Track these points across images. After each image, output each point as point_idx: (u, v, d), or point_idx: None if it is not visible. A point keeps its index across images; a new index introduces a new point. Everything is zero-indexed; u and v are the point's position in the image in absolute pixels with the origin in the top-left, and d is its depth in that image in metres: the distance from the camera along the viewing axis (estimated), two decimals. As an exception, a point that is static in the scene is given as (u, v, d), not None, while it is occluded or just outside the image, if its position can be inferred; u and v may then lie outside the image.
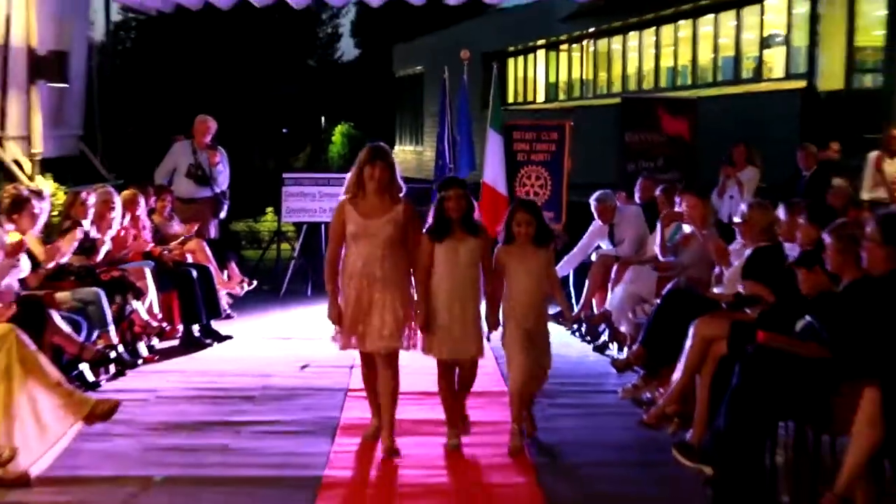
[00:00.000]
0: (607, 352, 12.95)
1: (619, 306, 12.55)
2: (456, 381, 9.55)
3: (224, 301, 14.93)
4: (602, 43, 35.20)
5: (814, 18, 24.17)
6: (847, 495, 7.09)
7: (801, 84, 24.32)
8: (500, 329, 9.52)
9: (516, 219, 9.49)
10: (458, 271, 9.24)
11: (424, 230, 9.41)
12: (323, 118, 59.30)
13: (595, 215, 14.70)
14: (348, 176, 9.27)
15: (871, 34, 22.40)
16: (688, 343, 9.32)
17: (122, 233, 13.48)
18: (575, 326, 14.14)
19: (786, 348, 8.04)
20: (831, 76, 23.83)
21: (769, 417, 8.01)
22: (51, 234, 12.63)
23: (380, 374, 9.21)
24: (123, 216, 13.62)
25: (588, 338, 13.84)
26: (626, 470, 8.95)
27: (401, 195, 9.24)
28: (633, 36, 32.79)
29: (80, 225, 12.43)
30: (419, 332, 9.31)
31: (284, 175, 19.26)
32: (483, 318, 9.53)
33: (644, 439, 9.50)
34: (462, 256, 9.25)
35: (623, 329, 12.46)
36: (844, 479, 7.14)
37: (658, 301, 11.14)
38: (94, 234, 12.74)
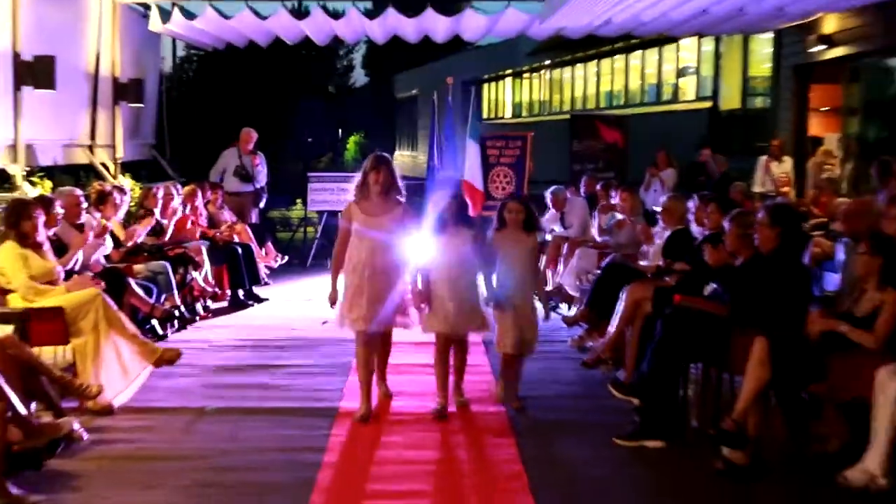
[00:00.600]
0: (559, 311, 12.95)
1: (569, 276, 12.68)
2: (451, 365, 8.71)
3: (262, 271, 14.92)
4: (556, 72, 35.18)
5: (717, 54, 24.26)
6: (741, 419, 7.12)
7: (708, 105, 24.39)
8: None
9: (507, 207, 8.74)
10: (456, 260, 8.39)
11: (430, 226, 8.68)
12: (340, 130, 59.19)
13: (549, 205, 14.85)
14: (355, 180, 8.58)
15: (761, 67, 22.44)
16: (621, 304, 9.39)
17: (184, 219, 13.56)
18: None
19: (696, 308, 8.08)
20: (731, 99, 23.91)
21: (683, 361, 8.07)
22: (130, 219, 12.71)
23: (382, 346, 8.80)
24: (185, 206, 13.74)
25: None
26: (573, 401, 9.01)
27: (400, 197, 8.51)
28: (579, 67, 32.78)
29: (152, 213, 12.54)
30: (417, 311, 8.60)
31: (309, 174, 19.30)
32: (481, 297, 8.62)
33: (587, 377, 9.53)
34: (459, 247, 8.42)
35: (572, 293, 12.58)
36: (739, 407, 7.18)
37: (598, 272, 11.20)
38: (162, 220, 12.82)
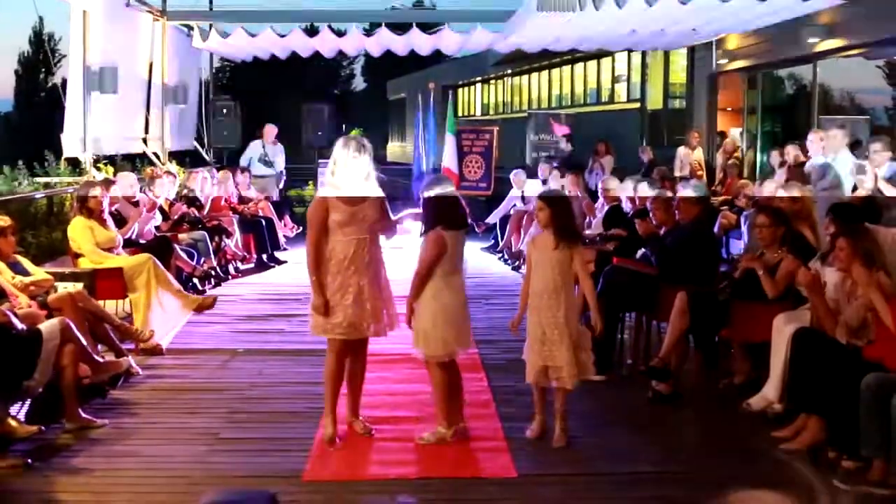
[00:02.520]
0: (521, 270, 12.83)
1: (528, 242, 12.61)
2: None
3: (282, 239, 14.80)
4: (516, 79, 34.97)
5: (644, 65, 24.12)
6: (666, 358, 7.06)
7: (637, 105, 24.28)
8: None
9: (536, 205, 6.42)
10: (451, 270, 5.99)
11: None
12: (343, 126, 58.99)
13: (513, 184, 14.72)
14: (330, 168, 6.17)
15: (679, 75, 22.37)
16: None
17: (219, 197, 13.52)
18: (499, 255, 14.09)
19: (631, 268, 8.01)
20: (655, 100, 23.80)
21: (620, 310, 7.98)
22: (178, 197, 12.73)
23: (356, 360, 6.30)
24: (220, 187, 13.68)
25: (508, 262, 13.72)
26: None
27: (377, 182, 6.17)
28: (535, 75, 32.57)
29: (193, 191, 12.55)
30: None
31: (319, 160, 19.15)
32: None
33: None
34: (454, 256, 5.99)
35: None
36: (665, 348, 7.13)
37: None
38: (200, 196, 12.90)
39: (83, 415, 6.33)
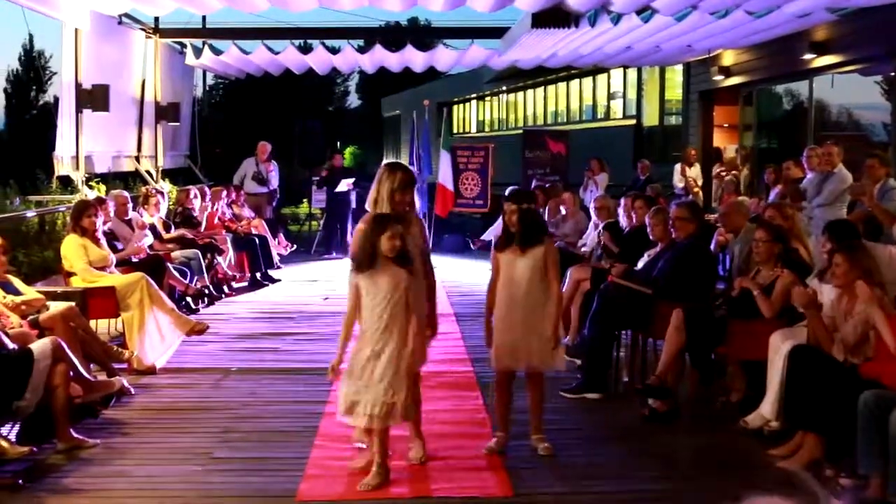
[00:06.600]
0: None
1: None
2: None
3: (276, 258, 14.84)
4: (511, 96, 35.10)
5: (640, 82, 24.25)
6: (663, 377, 7.07)
7: (633, 122, 24.40)
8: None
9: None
10: (526, 281, 6.02)
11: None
12: (338, 143, 59.12)
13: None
14: (380, 197, 5.64)
15: (675, 92, 22.48)
16: (566, 282, 9.25)
17: (212, 215, 13.63)
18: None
19: (625, 286, 8.01)
20: (651, 117, 23.94)
21: (615, 328, 8.00)
22: (170, 215, 12.90)
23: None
24: (213, 205, 13.74)
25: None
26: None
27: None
28: (530, 92, 32.71)
29: (190, 210, 12.80)
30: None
31: (313, 178, 19.23)
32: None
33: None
34: (526, 268, 6.02)
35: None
36: (661, 367, 7.14)
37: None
38: (196, 214, 13.06)
39: (75, 435, 6.31)
